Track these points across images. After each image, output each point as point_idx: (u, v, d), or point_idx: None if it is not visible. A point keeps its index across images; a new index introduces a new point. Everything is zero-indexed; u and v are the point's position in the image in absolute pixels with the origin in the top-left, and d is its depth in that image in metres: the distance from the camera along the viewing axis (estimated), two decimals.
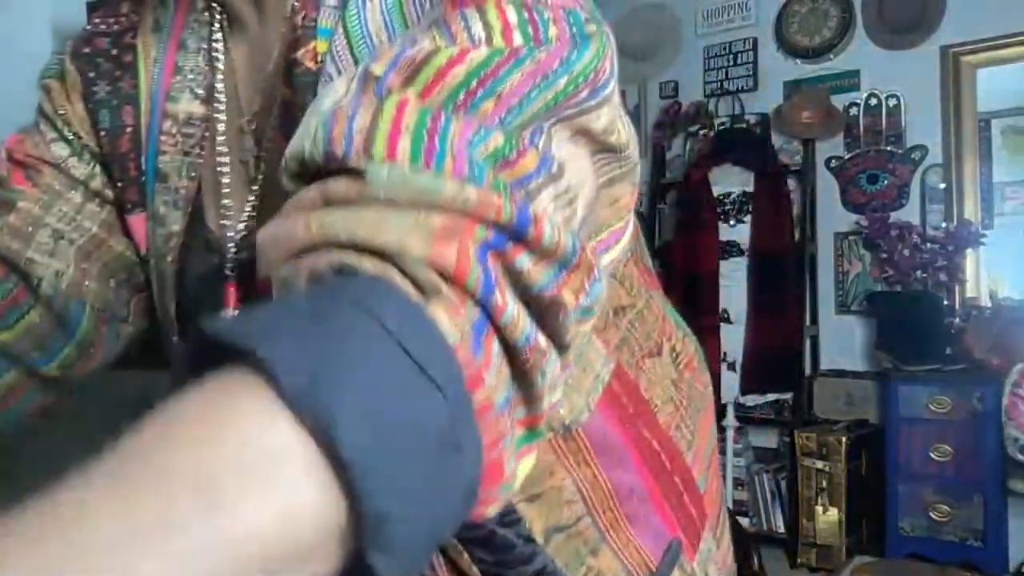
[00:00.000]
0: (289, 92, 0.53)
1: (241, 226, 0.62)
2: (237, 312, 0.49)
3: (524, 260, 0.36)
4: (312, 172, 0.38)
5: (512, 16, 0.41)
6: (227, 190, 0.62)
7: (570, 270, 0.37)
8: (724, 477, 3.67)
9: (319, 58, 0.49)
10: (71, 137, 0.69)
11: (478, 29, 0.40)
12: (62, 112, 0.69)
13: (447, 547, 0.58)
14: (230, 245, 0.62)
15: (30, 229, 0.66)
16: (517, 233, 0.36)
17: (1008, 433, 2.96)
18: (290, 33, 0.50)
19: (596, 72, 0.43)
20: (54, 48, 2.06)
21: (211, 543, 0.25)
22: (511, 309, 0.35)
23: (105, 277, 0.69)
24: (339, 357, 0.28)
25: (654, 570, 0.66)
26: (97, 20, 0.70)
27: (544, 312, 0.37)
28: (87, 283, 0.68)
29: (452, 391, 0.30)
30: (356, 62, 0.45)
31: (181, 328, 0.66)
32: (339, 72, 0.48)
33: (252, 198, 0.61)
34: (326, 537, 0.28)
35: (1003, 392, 2.99)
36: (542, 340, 0.37)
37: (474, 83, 0.38)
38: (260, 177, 0.62)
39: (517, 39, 0.40)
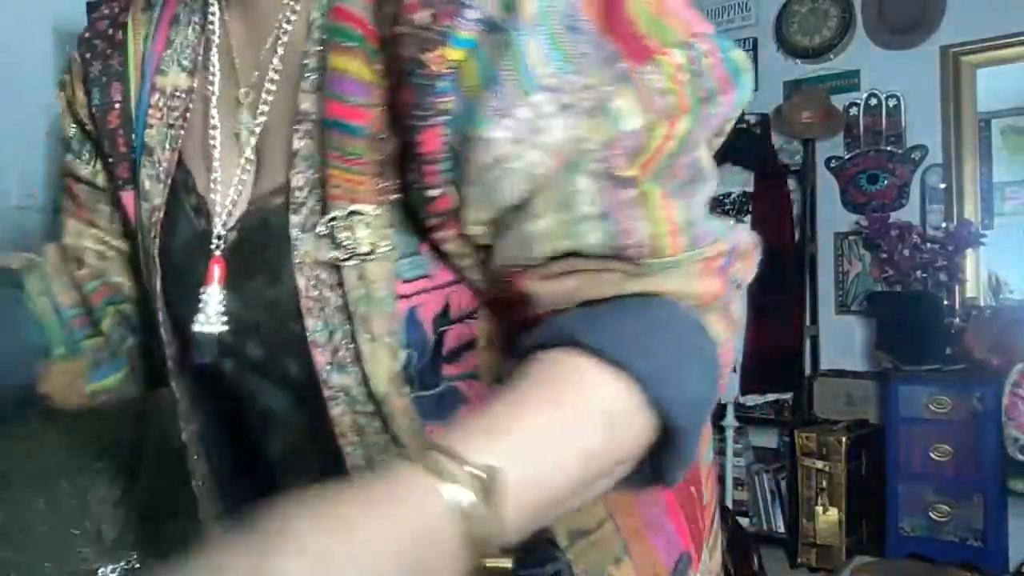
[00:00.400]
0: (368, 68, 0.53)
1: (229, 200, 0.62)
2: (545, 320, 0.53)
3: (736, 265, 0.53)
4: (577, 253, 0.50)
5: (679, 58, 0.50)
6: (217, 163, 0.62)
7: (742, 258, 0.54)
8: (724, 477, 3.67)
9: (447, 65, 0.49)
10: (72, 135, 0.72)
11: (660, 83, 0.49)
12: (70, 100, 0.72)
13: None
14: (217, 220, 0.61)
15: (78, 258, 0.74)
16: (733, 252, 0.53)
17: (1008, 433, 2.95)
18: (410, 29, 0.50)
19: (748, 97, 0.55)
20: (54, 48, 2.06)
21: (602, 447, 0.44)
22: (732, 303, 0.54)
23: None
24: (664, 364, 0.47)
25: None
26: (103, 6, 0.72)
27: (738, 288, 0.54)
28: (136, 292, 0.75)
29: (712, 374, 0.50)
30: (523, 91, 0.48)
31: (166, 300, 0.66)
32: (480, 87, 0.49)
33: (241, 173, 0.61)
34: (639, 452, 0.47)
35: (1003, 392, 2.99)
36: (736, 310, 0.54)
37: (680, 150, 0.51)
38: (254, 150, 0.61)
39: (685, 87, 0.50)
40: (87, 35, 0.71)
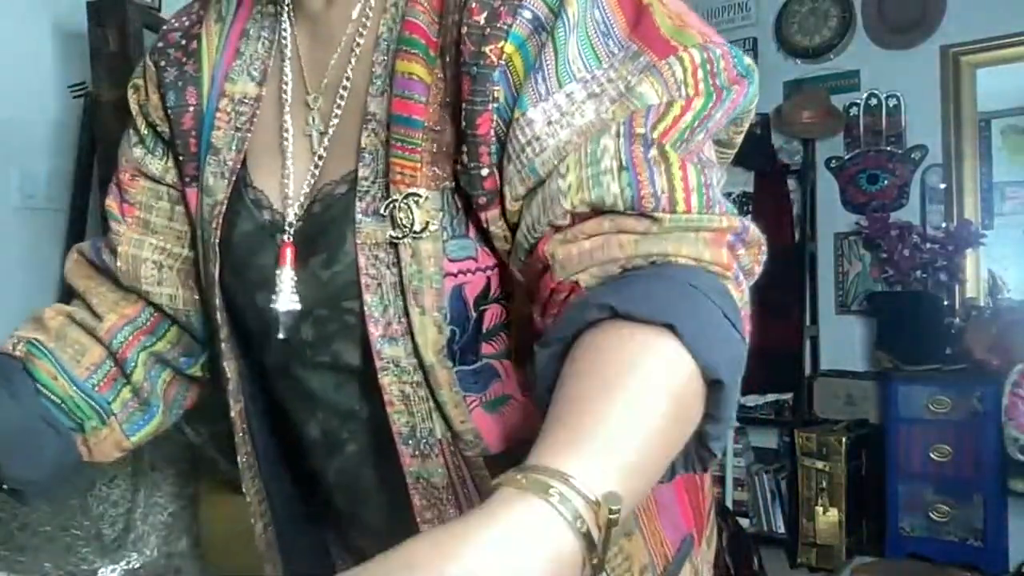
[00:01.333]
0: (428, 72, 0.62)
1: (302, 193, 0.69)
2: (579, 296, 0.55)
3: (741, 249, 0.55)
4: (597, 210, 0.53)
5: (697, 57, 0.56)
6: (291, 159, 0.70)
7: (749, 245, 0.56)
8: (724, 477, 3.67)
9: (503, 57, 0.58)
10: (145, 133, 0.79)
11: (680, 74, 0.56)
12: (143, 103, 0.78)
13: None
14: (290, 211, 0.69)
15: (135, 269, 0.77)
16: (741, 236, 0.55)
17: (1008, 433, 2.96)
18: (475, 28, 0.59)
19: (756, 96, 0.61)
20: (54, 48, 2.06)
21: (675, 425, 0.46)
22: (742, 279, 0.55)
23: None
24: (704, 323, 0.47)
25: (670, 560, 0.71)
26: (172, 19, 0.80)
27: (746, 277, 0.56)
28: (197, 297, 0.79)
29: (742, 335, 0.51)
30: (559, 81, 0.57)
31: (223, 287, 0.73)
32: (523, 78, 0.58)
33: (313, 168, 0.68)
34: (700, 410, 0.48)
35: (1003, 392, 2.99)
36: (746, 293, 0.56)
37: (696, 124, 0.56)
38: (324, 147, 0.68)
39: (701, 81, 0.56)
40: (160, 45, 0.78)
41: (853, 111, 3.73)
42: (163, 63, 0.76)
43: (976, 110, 3.62)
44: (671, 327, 0.45)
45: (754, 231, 0.56)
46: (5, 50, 1.91)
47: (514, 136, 0.57)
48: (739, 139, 0.66)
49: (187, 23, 0.78)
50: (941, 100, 3.56)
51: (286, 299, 0.67)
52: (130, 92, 0.80)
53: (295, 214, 0.68)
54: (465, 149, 0.60)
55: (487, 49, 0.58)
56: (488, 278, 0.63)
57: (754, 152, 3.72)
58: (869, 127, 3.70)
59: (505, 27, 0.58)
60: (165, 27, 0.79)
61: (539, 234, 0.56)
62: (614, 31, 0.58)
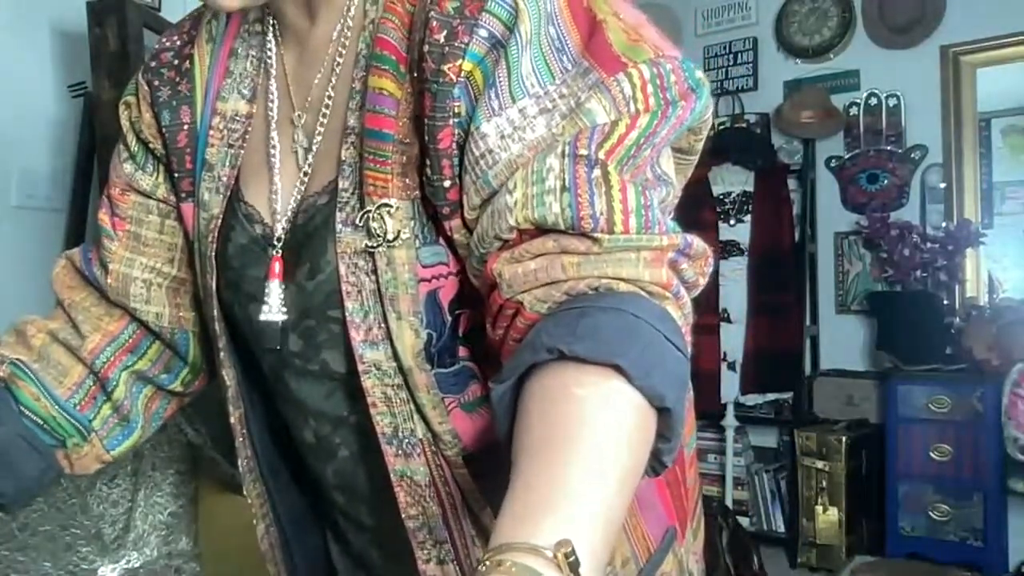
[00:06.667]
0: (398, 87, 0.64)
1: (289, 208, 0.71)
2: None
3: (684, 264, 0.57)
4: (541, 228, 0.55)
5: (646, 73, 0.57)
6: (278, 175, 0.72)
7: (693, 259, 0.58)
8: (724, 477, 3.67)
9: (461, 75, 0.60)
10: (136, 149, 0.80)
11: (628, 91, 0.57)
12: (135, 120, 0.80)
13: (470, 503, 0.68)
14: (279, 224, 0.71)
15: (124, 287, 0.79)
16: (684, 251, 0.57)
17: (1008, 433, 2.96)
18: (435, 47, 0.60)
19: (708, 108, 0.62)
20: (54, 49, 2.06)
21: (632, 462, 0.48)
22: (683, 294, 0.57)
23: (197, 305, 0.81)
24: (648, 355, 0.50)
25: (652, 553, 0.74)
26: (164, 39, 0.81)
27: (689, 289, 0.58)
28: (182, 315, 0.82)
29: (684, 352, 0.54)
30: (511, 96, 0.59)
31: (220, 299, 0.75)
32: (481, 93, 0.60)
33: (299, 183, 0.71)
34: (652, 437, 0.50)
35: (1003, 392, 2.99)
36: (687, 304, 0.58)
37: (642, 141, 0.57)
38: (309, 163, 0.70)
39: (651, 96, 0.57)
40: (153, 64, 0.79)
41: (853, 111, 3.73)
42: (156, 82, 0.78)
43: (976, 110, 3.62)
44: (617, 367, 0.48)
45: (698, 245, 0.58)
46: (5, 50, 1.91)
47: (470, 149, 0.60)
48: (699, 146, 0.68)
49: (179, 43, 0.79)
50: (941, 100, 3.57)
51: (272, 310, 0.70)
52: (121, 109, 0.81)
53: (283, 228, 0.70)
54: (429, 162, 0.62)
55: (446, 67, 0.60)
56: (461, 283, 0.65)
57: (754, 152, 3.72)
58: (869, 127, 3.70)
59: (462, 45, 0.60)
60: (157, 46, 0.81)
61: (488, 246, 0.59)
62: (568, 47, 0.60)
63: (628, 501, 0.48)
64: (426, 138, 0.61)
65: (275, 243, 0.70)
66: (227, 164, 0.74)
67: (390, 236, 0.63)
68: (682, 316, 0.56)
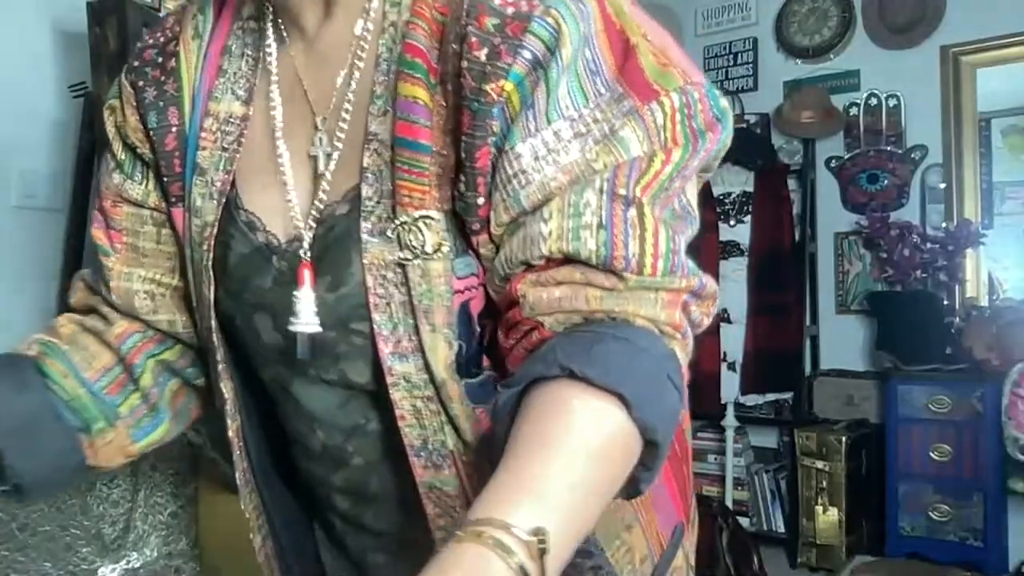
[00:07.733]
0: (430, 97, 0.63)
1: (311, 217, 0.67)
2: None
3: (694, 305, 0.59)
4: (570, 259, 0.57)
5: (676, 102, 0.59)
6: (290, 183, 0.69)
7: (702, 300, 0.60)
8: (724, 477, 3.67)
9: (502, 95, 0.59)
10: (123, 157, 0.76)
11: (660, 120, 0.59)
12: (121, 125, 0.76)
13: None
14: (306, 233, 0.67)
15: (128, 301, 0.77)
16: (697, 292, 0.59)
17: (1008, 433, 2.96)
18: (475, 64, 0.60)
19: (730, 136, 0.63)
20: (54, 48, 2.06)
21: (609, 477, 0.51)
22: (689, 335, 0.59)
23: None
24: (649, 388, 0.53)
25: (664, 549, 0.74)
26: (147, 36, 0.77)
27: (694, 329, 0.60)
28: (192, 319, 0.78)
29: (680, 391, 0.56)
30: (547, 118, 0.59)
31: (217, 311, 0.72)
32: (518, 112, 0.60)
33: (319, 191, 0.67)
34: (635, 461, 0.52)
35: (1003, 392, 2.99)
36: (691, 345, 0.60)
37: (675, 175, 0.59)
38: (331, 169, 0.67)
39: (678, 124, 0.59)
40: (136, 64, 0.75)
41: (853, 111, 3.73)
42: (141, 83, 0.74)
43: (976, 110, 3.62)
44: (620, 395, 0.50)
45: (710, 286, 0.60)
46: (5, 50, 1.91)
47: (503, 167, 0.60)
48: (717, 164, 0.68)
49: (162, 40, 0.75)
50: (941, 100, 3.56)
51: (302, 319, 0.67)
52: (106, 114, 0.77)
53: (308, 236, 0.67)
54: (463, 178, 0.62)
55: (488, 87, 0.59)
56: (486, 294, 0.65)
57: (754, 152, 3.72)
58: (869, 127, 3.70)
59: (506, 66, 0.59)
60: (140, 44, 0.77)
61: (514, 268, 0.59)
62: (602, 70, 0.60)
63: (596, 515, 0.50)
64: (463, 155, 0.61)
65: (300, 251, 0.67)
66: (221, 168, 0.70)
67: (429, 248, 0.62)
68: (685, 356, 0.59)
